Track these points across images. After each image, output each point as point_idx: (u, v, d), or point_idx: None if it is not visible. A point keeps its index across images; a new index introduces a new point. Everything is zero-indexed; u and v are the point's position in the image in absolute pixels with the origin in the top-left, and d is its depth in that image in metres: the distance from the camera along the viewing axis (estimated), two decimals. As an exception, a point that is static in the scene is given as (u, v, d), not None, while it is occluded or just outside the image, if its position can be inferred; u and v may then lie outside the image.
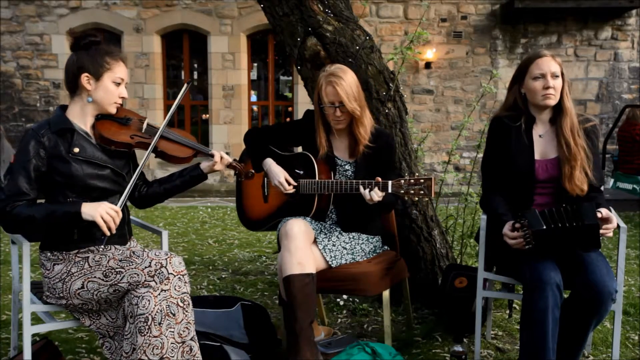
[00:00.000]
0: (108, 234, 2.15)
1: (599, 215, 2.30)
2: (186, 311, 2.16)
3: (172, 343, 2.10)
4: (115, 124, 2.36)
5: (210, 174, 2.54)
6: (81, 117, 2.31)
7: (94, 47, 2.28)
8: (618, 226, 2.51)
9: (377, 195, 2.47)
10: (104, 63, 2.26)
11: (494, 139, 2.64)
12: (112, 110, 2.33)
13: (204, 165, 2.49)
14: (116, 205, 2.19)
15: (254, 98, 10.68)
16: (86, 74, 2.25)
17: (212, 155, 2.46)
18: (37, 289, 2.41)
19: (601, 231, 2.31)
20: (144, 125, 2.41)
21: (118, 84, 2.30)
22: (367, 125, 2.69)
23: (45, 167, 2.21)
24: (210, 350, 2.49)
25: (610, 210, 2.40)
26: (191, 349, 2.17)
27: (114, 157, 2.34)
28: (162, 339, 2.08)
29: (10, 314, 2.83)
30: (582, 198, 2.46)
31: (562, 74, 2.50)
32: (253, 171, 2.58)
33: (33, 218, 2.13)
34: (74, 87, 2.29)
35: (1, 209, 2.13)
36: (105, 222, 2.13)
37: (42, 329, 2.40)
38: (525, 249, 2.34)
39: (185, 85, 2.51)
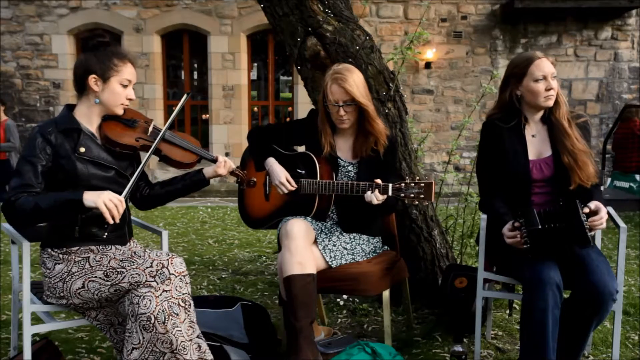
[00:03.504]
0: (111, 221, 2.09)
1: (586, 210, 2.29)
2: (188, 311, 2.16)
3: (182, 342, 2.10)
4: (120, 126, 2.37)
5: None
6: (88, 118, 2.32)
7: (102, 49, 2.28)
8: (618, 226, 2.52)
9: (377, 198, 2.47)
10: (112, 65, 2.27)
11: (487, 142, 2.64)
12: (119, 111, 2.34)
13: (207, 170, 2.50)
14: (120, 195, 2.16)
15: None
16: (94, 76, 2.25)
17: (215, 160, 2.48)
18: (37, 289, 2.41)
19: (590, 224, 2.29)
20: (150, 128, 2.42)
21: (125, 86, 2.31)
22: (378, 121, 2.69)
23: (51, 163, 2.20)
24: (211, 350, 2.49)
25: (604, 205, 2.38)
26: (200, 346, 2.17)
27: (119, 158, 2.35)
28: (169, 336, 2.07)
29: (10, 314, 2.83)
30: (582, 193, 2.45)
31: None
32: (255, 179, 2.57)
33: (38, 206, 2.09)
34: (81, 87, 2.30)
35: (7, 200, 2.12)
36: (108, 209, 2.08)
37: (42, 329, 2.40)
38: (523, 248, 2.34)
39: (185, 95, 2.53)
